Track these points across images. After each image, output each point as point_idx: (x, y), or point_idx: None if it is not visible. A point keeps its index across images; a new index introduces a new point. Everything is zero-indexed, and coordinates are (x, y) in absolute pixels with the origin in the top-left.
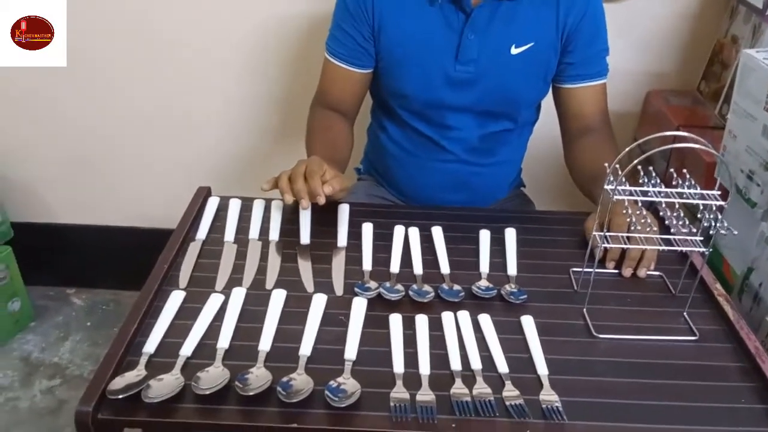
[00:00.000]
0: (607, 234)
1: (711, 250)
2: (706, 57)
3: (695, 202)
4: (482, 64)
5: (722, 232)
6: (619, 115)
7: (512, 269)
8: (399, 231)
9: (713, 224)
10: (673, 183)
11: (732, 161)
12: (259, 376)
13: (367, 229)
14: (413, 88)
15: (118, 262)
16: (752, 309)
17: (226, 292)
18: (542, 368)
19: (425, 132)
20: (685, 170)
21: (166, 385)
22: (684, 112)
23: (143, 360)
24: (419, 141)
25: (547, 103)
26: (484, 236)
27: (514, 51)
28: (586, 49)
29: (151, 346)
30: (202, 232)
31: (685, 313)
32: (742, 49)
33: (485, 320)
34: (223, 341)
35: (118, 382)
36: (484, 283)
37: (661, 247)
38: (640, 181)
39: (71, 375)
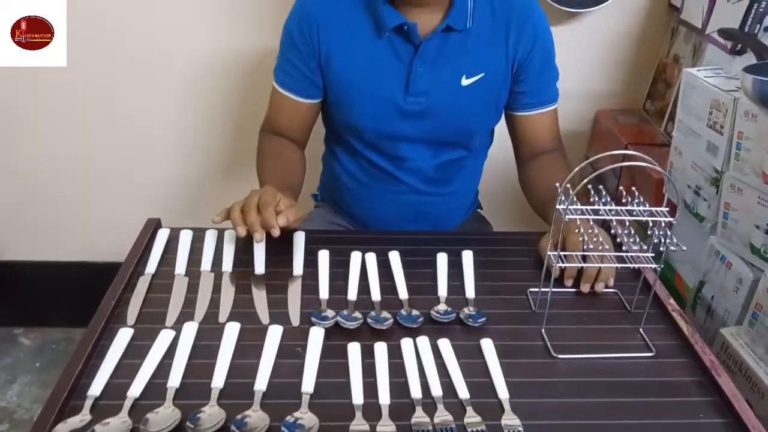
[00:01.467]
0: (562, 254)
1: (662, 266)
2: (650, 76)
3: (644, 218)
4: (433, 96)
5: (672, 248)
6: (570, 135)
7: (470, 292)
8: (356, 257)
9: (663, 241)
10: (623, 201)
11: (679, 177)
12: (211, 415)
13: (323, 256)
14: (364, 120)
15: (69, 298)
16: (706, 321)
17: (177, 327)
18: (503, 392)
19: (379, 163)
20: (634, 188)
21: (112, 429)
22: (632, 130)
23: (88, 403)
24: (373, 173)
25: (501, 125)
26: (442, 260)
27: (464, 82)
28: (537, 78)
29: (96, 388)
30: (152, 266)
31: (641, 330)
32: (684, 68)
33: (445, 345)
34: (174, 379)
35: (61, 429)
36: (442, 306)
37: (614, 265)
38: (592, 200)
39: (20, 419)
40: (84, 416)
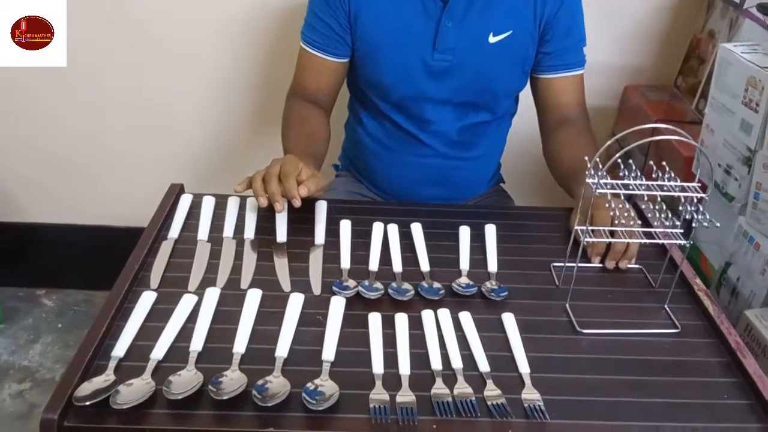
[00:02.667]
0: (591, 228)
1: (692, 242)
2: (683, 52)
3: (676, 194)
4: (460, 53)
5: (704, 224)
6: (597, 110)
7: (492, 266)
8: (378, 228)
9: (695, 217)
10: (654, 176)
11: (710, 156)
12: (233, 380)
13: (345, 226)
14: (391, 78)
15: (91, 261)
16: (730, 303)
17: (200, 292)
18: (524, 366)
19: (404, 126)
20: (664, 163)
21: (135, 390)
22: (661, 106)
23: (112, 364)
24: (398, 135)
25: (527, 99)
26: (464, 233)
27: (492, 39)
28: (563, 39)
29: (120, 349)
30: (175, 231)
31: (666, 307)
32: (720, 44)
33: (466, 318)
34: (196, 343)
35: (86, 388)
36: (464, 280)
37: (645, 240)
38: (621, 174)
39: (41, 378)
40: (108, 376)
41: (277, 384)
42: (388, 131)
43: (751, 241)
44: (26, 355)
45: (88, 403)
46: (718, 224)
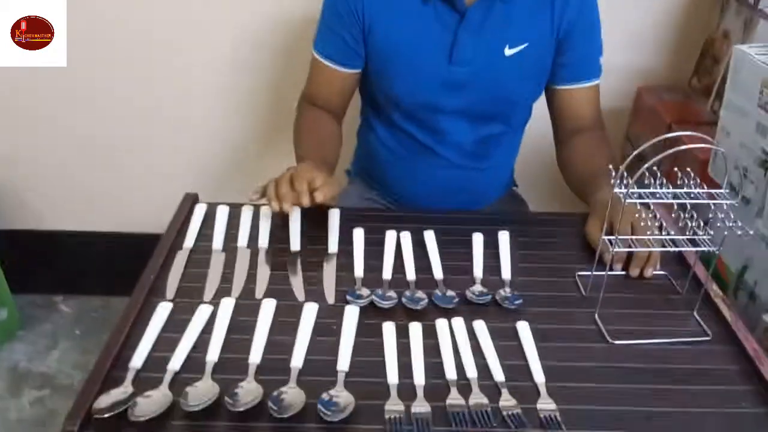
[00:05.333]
0: (620, 238)
1: (721, 249)
2: (697, 52)
3: (705, 201)
4: (476, 65)
5: (738, 232)
6: (610, 112)
7: (506, 273)
8: (391, 236)
9: (726, 224)
10: (678, 183)
11: (726, 158)
12: (249, 391)
13: (359, 234)
14: (405, 90)
15: (107, 268)
16: (748, 306)
17: (215, 302)
18: (539, 375)
19: (417, 137)
20: (689, 169)
21: (153, 402)
22: (676, 108)
23: (130, 375)
24: (411, 146)
25: (540, 102)
26: (477, 240)
27: (507, 52)
28: (580, 50)
29: (138, 360)
30: (190, 241)
31: (695, 314)
32: (734, 45)
33: (480, 327)
34: (212, 354)
35: (104, 400)
36: (478, 288)
37: (674, 249)
38: (646, 182)
39: (60, 384)
40: (126, 388)
41: (293, 395)
42: (401, 141)
43: None
44: (45, 362)
45: (107, 415)
46: (751, 232)
